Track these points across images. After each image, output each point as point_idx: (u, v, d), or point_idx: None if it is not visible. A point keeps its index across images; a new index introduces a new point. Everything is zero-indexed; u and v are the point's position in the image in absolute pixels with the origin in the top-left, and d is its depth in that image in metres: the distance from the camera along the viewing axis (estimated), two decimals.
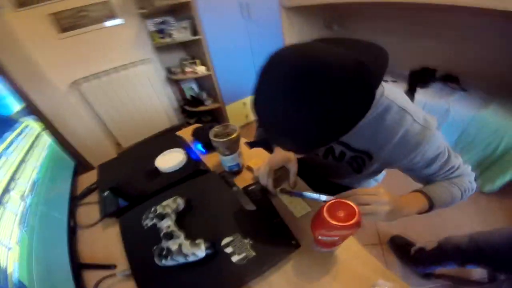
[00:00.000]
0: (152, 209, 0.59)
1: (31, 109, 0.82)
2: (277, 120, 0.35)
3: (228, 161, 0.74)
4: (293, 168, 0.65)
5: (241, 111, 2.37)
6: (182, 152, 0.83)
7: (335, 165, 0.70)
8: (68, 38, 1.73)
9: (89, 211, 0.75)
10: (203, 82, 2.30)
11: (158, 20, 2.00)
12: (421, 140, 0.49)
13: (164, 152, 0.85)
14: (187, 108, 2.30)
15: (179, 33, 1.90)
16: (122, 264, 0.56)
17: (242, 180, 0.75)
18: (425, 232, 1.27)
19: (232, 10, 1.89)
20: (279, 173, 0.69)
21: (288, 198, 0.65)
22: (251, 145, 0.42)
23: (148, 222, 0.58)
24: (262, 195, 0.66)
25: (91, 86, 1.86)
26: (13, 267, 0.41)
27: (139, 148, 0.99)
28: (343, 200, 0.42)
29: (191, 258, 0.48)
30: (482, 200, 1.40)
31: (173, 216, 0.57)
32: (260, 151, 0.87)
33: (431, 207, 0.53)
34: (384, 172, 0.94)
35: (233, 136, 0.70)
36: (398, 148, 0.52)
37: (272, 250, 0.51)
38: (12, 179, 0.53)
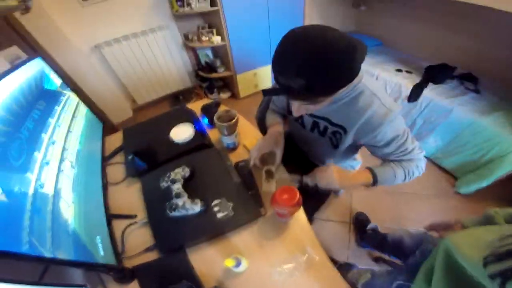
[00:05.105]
0: (167, 174, 0.77)
1: (62, 75, 0.87)
2: (301, 63, 0.45)
3: (226, 140, 0.89)
4: (279, 153, 0.78)
5: (251, 80, 2.44)
6: (191, 126, 0.98)
7: (318, 140, 0.82)
8: (91, 6, 1.79)
9: (116, 170, 0.91)
10: (218, 50, 2.33)
11: None
12: (384, 121, 0.61)
13: (178, 125, 0.99)
14: (201, 73, 2.38)
15: (198, 3, 1.89)
16: (141, 214, 0.75)
17: (237, 156, 0.92)
18: (387, 217, 1.40)
19: None
20: (267, 156, 0.82)
21: (264, 177, 0.79)
22: (264, 93, 0.57)
23: (164, 184, 0.76)
24: (248, 171, 0.82)
25: (112, 50, 1.98)
26: (71, 220, 0.58)
27: (157, 118, 1.11)
28: (290, 187, 0.60)
29: (190, 212, 0.68)
30: (454, 200, 1.51)
31: (182, 181, 0.76)
32: (256, 134, 1.01)
33: (375, 181, 0.69)
34: (360, 161, 1.07)
35: (232, 121, 0.83)
36: (365, 125, 0.64)
37: (246, 213, 0.69)
38: (64, 148, 0.68)
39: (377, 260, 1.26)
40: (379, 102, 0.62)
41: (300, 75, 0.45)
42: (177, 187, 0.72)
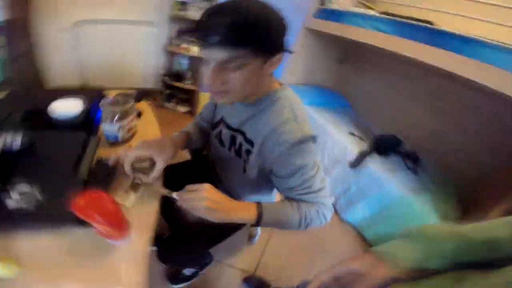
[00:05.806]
0: None
1: None
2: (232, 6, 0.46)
3: (108, 128, 0.75)
4: (160, 164, 0.60)
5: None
6: (82, 105, 0.83)
7: (234, 161, 0.71)
8: None
9: None
10: (193, 63, 2.31)
11: None
12: (291, 140, 0.53)
13: (68, 100, 0.84)
14: (166, 80, 2.31)
15: (195, 11, 1.95)
16: None
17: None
18: (298, 275, 1.25)
19: None
20: (144, 164, 0.63)
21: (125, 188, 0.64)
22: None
23: None
24: (109, 173, 0.64)
25: (90, 29, 1.89)
26: None
27: (62, 91, 0.93)
28: (108, 196, 0.44)
29: None
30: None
31: None
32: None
33: (259, 219, 0.55)
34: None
35: (121, 109, 0.71)
36: (269, 137, 0.57)
37: (58, 216, 0.51)
38: None
39: None
40: (293, 117, 0.55)
41: (229, 14, 0.45)
42: None
